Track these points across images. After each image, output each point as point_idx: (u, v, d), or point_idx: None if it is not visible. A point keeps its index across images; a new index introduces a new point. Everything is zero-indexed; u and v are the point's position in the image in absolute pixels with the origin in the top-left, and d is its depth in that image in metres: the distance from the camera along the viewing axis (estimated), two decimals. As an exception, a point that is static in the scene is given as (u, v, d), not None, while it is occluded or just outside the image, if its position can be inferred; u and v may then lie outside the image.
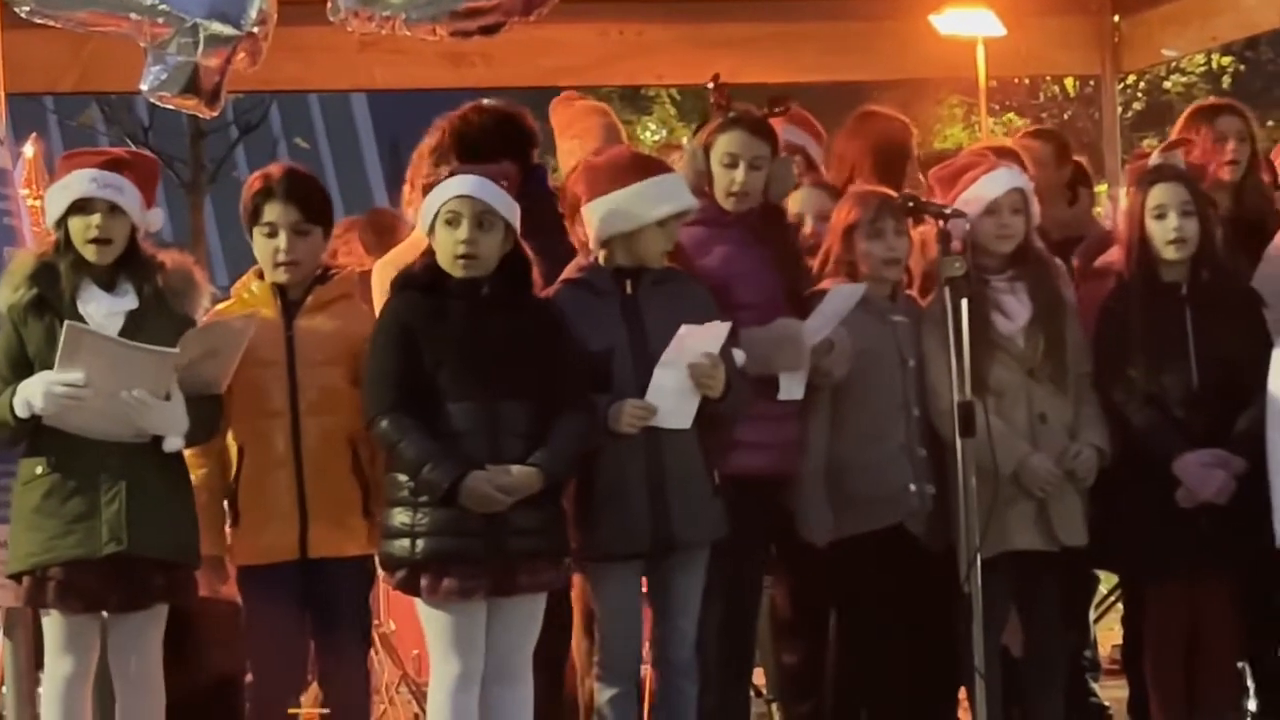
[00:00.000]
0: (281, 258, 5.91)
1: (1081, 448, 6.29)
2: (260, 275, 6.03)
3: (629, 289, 5.88)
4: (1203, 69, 26.50)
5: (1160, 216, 6.37)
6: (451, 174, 5.73)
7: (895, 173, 7.10)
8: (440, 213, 5.63)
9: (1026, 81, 25.23)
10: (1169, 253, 6.37)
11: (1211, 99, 8.08)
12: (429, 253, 5.66)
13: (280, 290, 5.96)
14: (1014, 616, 6.34)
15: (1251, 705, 7.03)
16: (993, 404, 6.14)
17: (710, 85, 6.52)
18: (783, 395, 6.12)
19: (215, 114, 6.69)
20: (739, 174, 6.32)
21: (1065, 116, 24.81)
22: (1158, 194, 6.39)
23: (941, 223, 6.00)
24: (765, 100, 6.60)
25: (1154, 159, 6.61)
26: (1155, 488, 6.26)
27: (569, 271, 5.97)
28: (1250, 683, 7.05)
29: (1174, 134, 7.43)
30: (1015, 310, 6.34)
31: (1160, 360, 6.34)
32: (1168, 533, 6.24)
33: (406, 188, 6.38)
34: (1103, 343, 6.44)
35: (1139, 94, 24.51)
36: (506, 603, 5.62)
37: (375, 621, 7.17)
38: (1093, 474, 6.29)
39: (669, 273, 6.00)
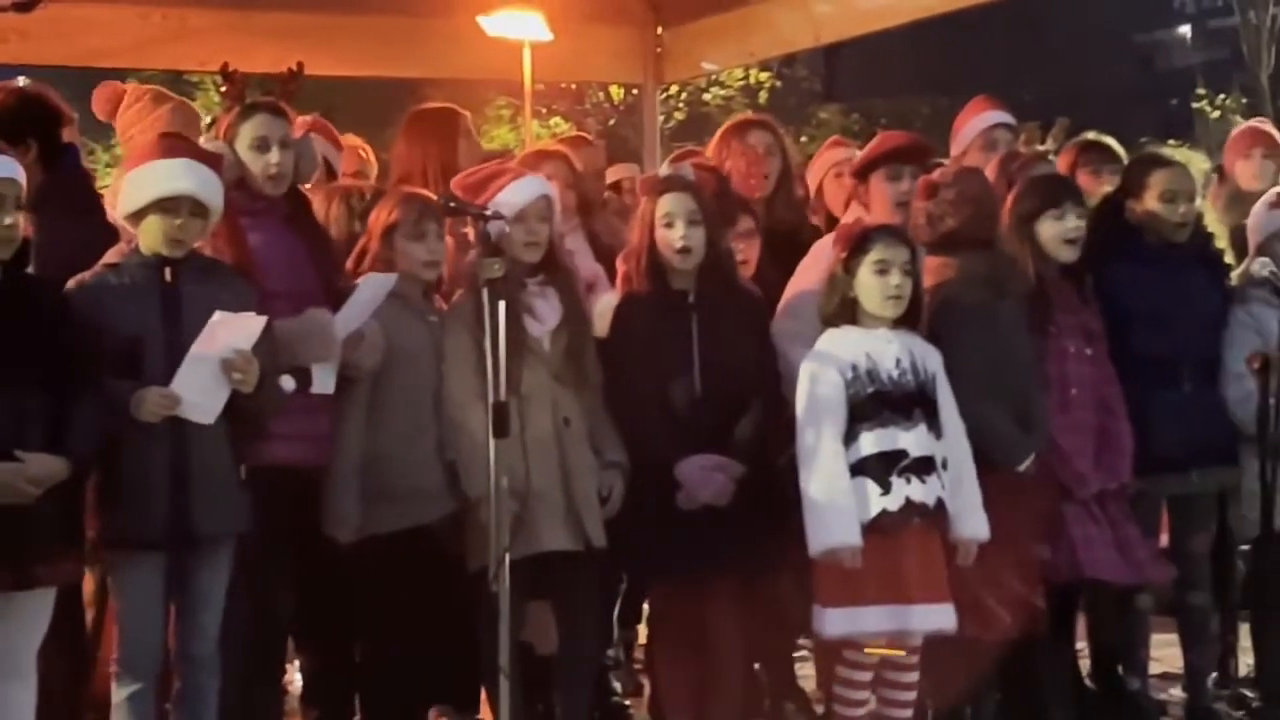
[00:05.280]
0: None
1: (612, 480, 6.40)
2: None
3: (168, 277, 5.76)
4: (741, 83, 27.26)
5: (669, 225, 6.52)
6: None
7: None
8: None
9: (573, 87, 25.58)
10: (676, 261, 6.51)
11: (744, 115, 8.30)
12: None
13: None
14: (537, 613, 6.38)
15: (766, 705, 7.23)
16: (520, 407, 6.18)
17: (221, 75, 6.48)
18: (315, 388, 6.07)
19: None
20: (273, 155, 6.33)
21: (610, 124, 25.23)
22: (666, 203, 6.53)
23: (481, 224, 6.02)
24: (276, 86, 6.58)
25: (663, 169, 6.77)
26: (659, 490, 6.37)
27: (109, 255, 5.83)
28: (765, 684, 7.25)
29: (710, 149, 7.62)
30: (545, 314, 6.40)
31: (666, 366, 6.46)
32: (671, 534, 6.35)
33: None
34: (612, 348, 6.54)
35: (680, 104, 25.08)
36: (18, 596, 5.43)
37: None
38: (620, 500, 6.41)
39: (214, 264, 5.92)
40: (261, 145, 6.34)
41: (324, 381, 6.13)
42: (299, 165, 6.49)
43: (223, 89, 6.54)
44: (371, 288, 6.26)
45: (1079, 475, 6.67)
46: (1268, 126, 8.69)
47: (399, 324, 6.36)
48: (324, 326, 6.10)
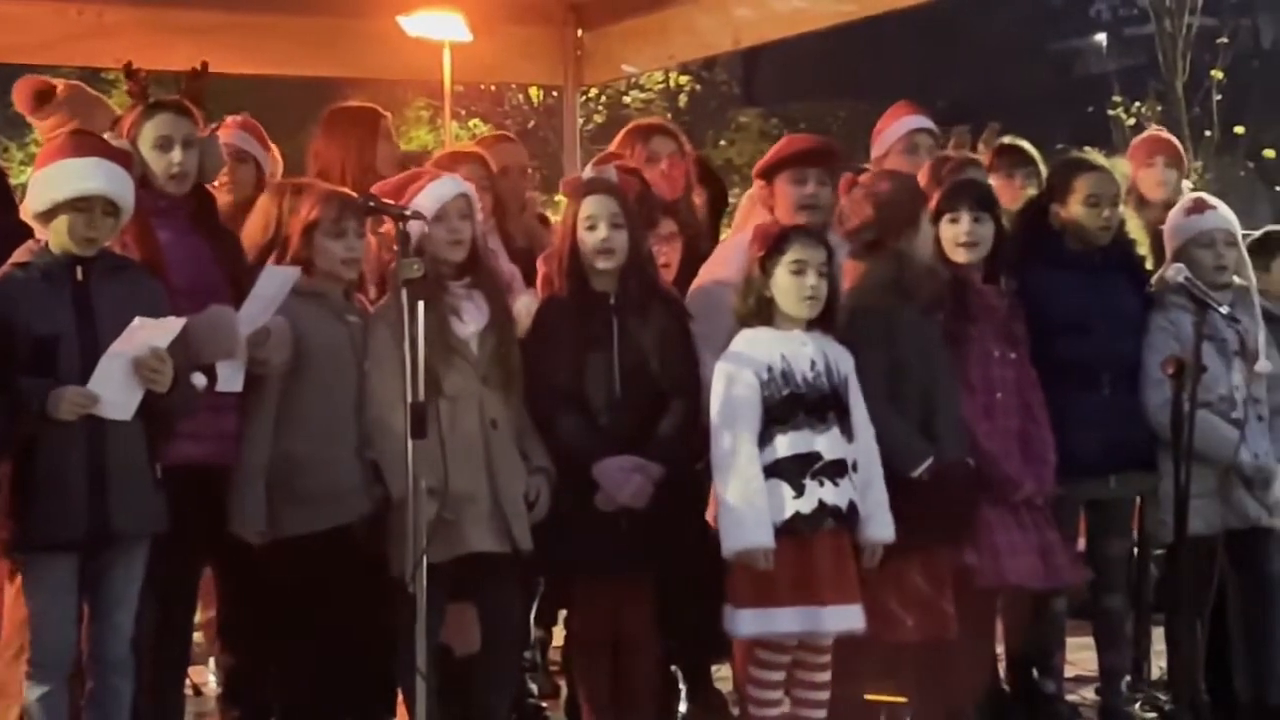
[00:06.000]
0: None
1: (539, 485, 6.39)
2: None
3: (80, 276, 5.71)
4: (661, 86, 27.27)
5: (591, 227, 6.51)
6: None
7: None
8: None
9: (493, 89, 25.54)
10: (598, 263, 6.51)
11: (646, 119, 8.31)
12: None
13: None
14: (459, 615, 6.37)
15: (683, 708, 7.24)
16: (447, 408, 6.16)
17: (125, 73, 6.44)
18: (221, 386, 6.03)
19: None
20: (175, 154, 6.30)
21: (529, 125, 25.20)
22: (589, 205, 6.53)
23: (401, 224, 6.00)
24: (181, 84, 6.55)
25: (587, 172, 6.76)
26: (577, 490, 6.37)
27: (19, 254, 5.78)
28: (683, 686, 7.26)
29: (612, 150, 7.61)
30: (472, 315, 6.39)
31: (585, 367, 6.46)
32: (588, 534, 6.36)
33: None
34: (533, 349, 6.53)
35: (600, 107, 25.05)
36: None
37: None
38: (547, 505, 6.39)
39: (124, 262, 5.87)
40: (164, 145, 6.30)
41: (230, 378, 6.09)
42: (204, 164, 6.45)
43: (126, 87, 6.50)
44: (272, 281, 6.20)
45: (1008, 480, 6.70)
46: (1166, 134, 8.76)
47: (316, 323, 6.32)
48: (226, 322, 6.05)
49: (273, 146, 7.93)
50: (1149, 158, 8.39)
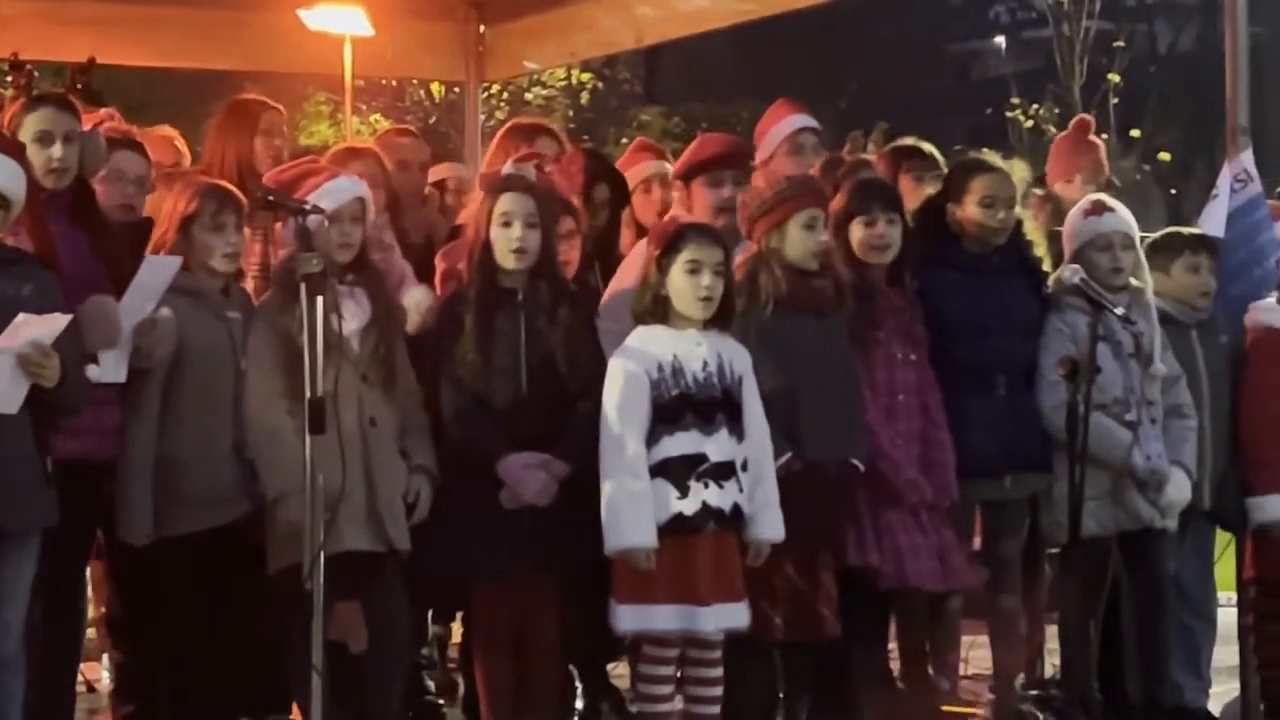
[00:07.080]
0: None
1: (419, 485, 6.36)
2: None
3: (-32, 269, 5.66)
4: (563, 83, 27.22)
5: (507, 224, 6.48)
6: None
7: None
8: None
9: (394, 84, 25.42)
10: (509, 261, 6.49)
11: (526, 119, 8.27)
12: None
13: None
14: (346, 613, 6.32)
15: (579, 704, 7.24)
16: (327, 405, 6.10)
17: (10, 65, 6.38)
18: (106, 377, 5.98)
19: None
20: (55, 150, 6.27)
21: (431, 121, 25.10)
22: (505, 202, 6.50)
23: (300, 219, 5.96)
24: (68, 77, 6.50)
25: (506, 168, 6.73)
26: (480, 488, 6.34)
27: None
28: (579, 684, 7.26)
29: (490, 151, 7.58)
30: (352, 313, 6.32)
31: (491, 363, 6.42)
32: (491, 532, 6.34)
33: None
34: (437, 341, 6.50)
35: (502, 103, 24.95)
36: None
37: None
38: (427, 505, 6.37)
39: (17, 255, 5.80)
40: (44, 139, 6.26)
41: (113, 369, 6.04)
42: (84, 159, 6.40)
43: (9, 79, 6.44)
44: (154, 271, 6.16)
45: (912, 483, 6.71)
46: (1090, 138, 8.68)
47: (194, 321, 6.28)
48: (108, 312, 6.00)
49: (177, 137, 7.88)
50: (1069, 173, 8.41)
